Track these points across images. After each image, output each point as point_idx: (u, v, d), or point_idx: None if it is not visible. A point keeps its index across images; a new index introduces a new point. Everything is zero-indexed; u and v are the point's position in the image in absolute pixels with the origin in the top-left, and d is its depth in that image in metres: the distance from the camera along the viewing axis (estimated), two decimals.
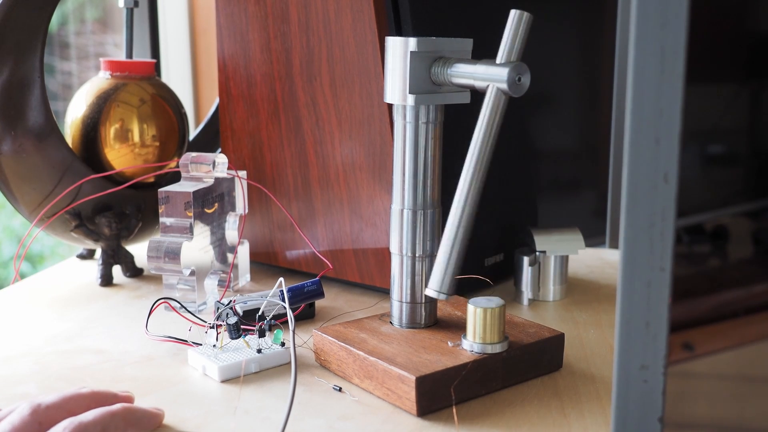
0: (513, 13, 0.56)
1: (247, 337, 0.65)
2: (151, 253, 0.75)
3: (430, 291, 0.58)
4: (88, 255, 0.96)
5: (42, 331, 0.73)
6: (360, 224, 0.80)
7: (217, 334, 0.64)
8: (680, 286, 0.40)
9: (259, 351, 0.64)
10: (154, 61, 0.91)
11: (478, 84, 0.58)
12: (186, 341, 0.66)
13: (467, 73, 0.59)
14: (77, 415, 0.51)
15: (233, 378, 0.62)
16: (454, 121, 0.70)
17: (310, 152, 0.82)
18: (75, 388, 0.57)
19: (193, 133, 1.04)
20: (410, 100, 0.61)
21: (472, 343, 0.60)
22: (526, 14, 0.56)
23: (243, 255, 0.85)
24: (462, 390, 0.57)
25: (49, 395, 0.52)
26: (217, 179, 0.80)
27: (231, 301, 0.68)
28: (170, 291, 0.76)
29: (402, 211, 0.64)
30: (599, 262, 0.96)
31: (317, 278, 0.72)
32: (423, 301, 0.65)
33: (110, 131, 0.86)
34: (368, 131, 0.77)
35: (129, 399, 0.56)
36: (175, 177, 0.91)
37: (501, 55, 0.57)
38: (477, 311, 0.59)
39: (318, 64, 0.79)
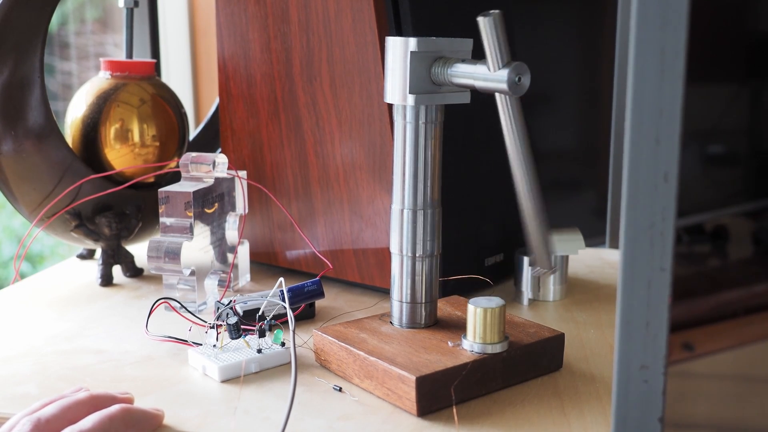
0: (482, 21, 0.55)
1: (247, 337, 0.65)
2: (151, 253, 0.75)
3: (540, 272, 0.60)
4: (88, 255, 0.96)
5: (42, 331, 0.73)
6: (360, 224, 0.80)
7: (217, 334, 0.64)
8: (680, 286, 0.40)
9: (259, 351, 0.64)
10: (154, 61, 0.91)
11: (478, 84, 0.58)
12: (186, 341, 0.66)
13: (467, 74, 0.59)
14: (77, 422, 0.51)
15: (233, 378, 0.62)
16: (454, 121, 0.70)
17: (310, 152, 0.82)
18: (73, 389, 0.58)
19: (193, 133, 1.04)
20: (410, 100, 0.61)
21: (472, 343, 0.60)
22: (493, 15, 0.55)
23: (243, 255, 0.85)
24: (462, 390, 0.57)
25: (48, 407, 0.52)
26: (217, 179, 0.80)
27: (231, 301, 0.68)
28: (170, 291, 0.76)
29: (402, 211, 0.64)
30: (599, 262, 0.96)
31: (317, 278, 0.72)
32: (423, 301, 0.65)
33: (110, 131, 0.86)
34: (368, 131, 0.77)
35: (128, 400, 0.56)
36: (175, 177, 0.91)
37: (491, 64, 0.56)
38: (477, 311, 0.59)
39: (318, 64, 0.79)
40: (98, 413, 0.52)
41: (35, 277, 0.91)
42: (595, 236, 1.04)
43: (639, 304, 0.39)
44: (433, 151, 0.63)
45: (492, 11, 0.55)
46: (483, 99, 0.64)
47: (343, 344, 0.62)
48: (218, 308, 0.66)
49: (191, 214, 0.75)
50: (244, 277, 0.86)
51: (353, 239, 0.80)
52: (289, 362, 0.64)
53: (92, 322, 0.75)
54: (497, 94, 0.57)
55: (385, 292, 0.80)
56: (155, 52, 1.11)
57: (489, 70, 0.57)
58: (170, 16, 1.49)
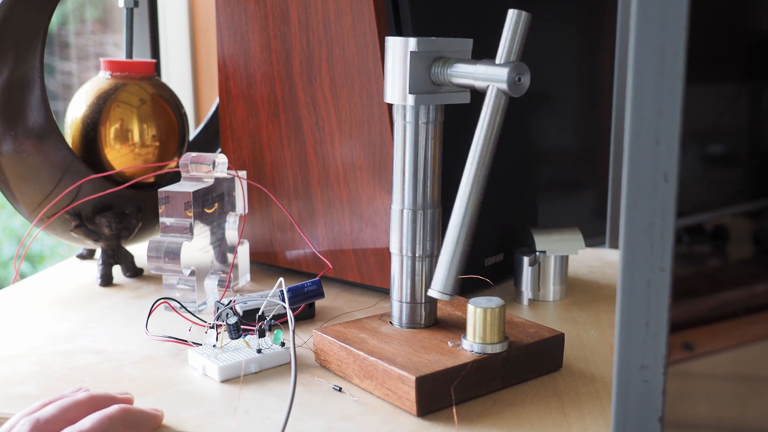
0: (511, 13, 0.56)
1: (247, 337, 0.65)
2: (151, 253, 0.75)
3: (433, 292, 0.58)
4: (88, 255, 0.96)
5: (42, 331, 0.73)
6: (360, 224, 0.80)
7: (217, 334, 0.64)
8: (680, 286, 0.40)
9: (259, 351, 0.64)
10: (154, 61, 0.91)
11: (478, 84, 0.58)
12: (186, 341, 0.66)
13: (467, 73, 0.59)
14: (76, 423, 0.51)
15: (233, 378, 0.62)
16: (454, 121, 0.70)
17: (310, 152, 0.82)
18: (73, 389, 0.58)
19: (193, 133, 1.04)
20: (410, 100, 0.61)
21: (472, 343, 0.60)
22: (524, 13, 0.56)
23: (243, 255, 0.85)
24: (462, 390, 0.57)
25: (47, 407, 0.52)
26: (217, 179, 0.80)
27: (231, 301, 0.68)
28: (170, 291, 0.76)
29: (402, 211, 0.64)
30: (599, 262, 0.96)
31: (317, 278, 0.72)
32: (423, 301, 0.65)
33: (110, 131, 0.86)
34: (368, 131, 0.77)
35: (128, 400, 0.56)
36: (175, 177, 0.91)
37: (500, 55, 0.57)
38: (477, 311, 0.59)
39: (318, 64, 0.79)
40: (97, 413, 0.52)
41: (35, 277, 0.91)
42: (595, 236, 1.04)
43: (639, 304, 0.39)
44: (433, 151, 0.63)
45: (524, 12, 0.56)
46: (483, 99, 0.64)
47: (343, 344, 0.62)
48: (218, 308, 0.66)
49: (191, 214, 0.75)
50: (244, 277, 0.86)
51: (353, 239, 0.80)
52: (289, 362, 0.64)
53: (92, 322, 0.75)
54: (489, 90, 0.57)
55: (385, 292, 0.80)
56: (155, 52, 1.11)
57: (495, 60, 0.57)
58: (170, 16, 1.49)
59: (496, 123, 0.57)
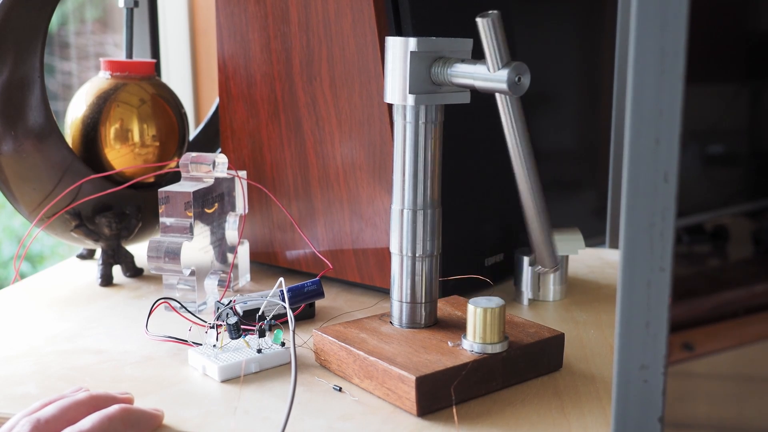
0: (481, 22, 0.55)
1: (247, 337, 0.65)
2: (151, 253, 0.75)
3: (545, 269, 0.61)
4: (88, 255, 0.96)
5: (42, 331, 0.73)
6: (360, 224, 0.80)
7: (217, 334, 0.64)
8: (680, 286, 0.40)
9: (259, 351, 0.64)
10: (154, 61, 0.91)
11: (478, 84, 0.58)
12: (186, 341, 0.66)
13: (467, 74, 0.59)
14: (77, 423, 0.51)
15: (233, 378, 0.62)
16: (454, 121, 0.70)
17: (310, 152, 0.82)
18: (73, 389, 0.58)
19: (193, 133, 1.04)
20: (410, 100, 0.61)
21: (472, 343, 0.60)
22: (492, 16, 0.55)
23: (243, 255, 0.85)
24: (462, 390, 0.57)
25: (47, 407, 0.52)
26: (217, 179, 0.80)
27: (231, 301, 0.68)
28: (170, 291, 0.76)
29: (402, 211, 0.64)
30: (599, 262, 0.96)
31: (317, 278, 0.72)
32: (423, 301, 0.65)
33: (110, 131, 0.86)
34: (368, 131, 0.77)
35: (128, 400, 0.56)
36: (175, 177, 0.91)
37: (490, 64, 0.57)
38: (477, 311, 0.59)
39: (318, 64, 0.79)
40: (97, 413, 0.52)
41: (35, 277, 0.91)
42: (595, 236, 1.04)
43: (639, 304, 0.39)
44: (433, 151, 0.63)
45: (490, 12, 0.55)
46: (483, 99, 0.64)
47: (343, 344, 0.62)
48: (218, 308, 0.66)
49: (191, 214, 0.75)
50: (244, 277, 0.86)
51: (353, 239, 0.80)
52: (289, 362, 0.64)
53: (92, 322, 0.75)
54: (497, 94, 0.57)
55: (385, 292, 0.80)
56: (155, 52, 1.11)
57: (489, 70, 0.57)
58: (170, 16, 1.49)
59: (516, 121, 0.57)
